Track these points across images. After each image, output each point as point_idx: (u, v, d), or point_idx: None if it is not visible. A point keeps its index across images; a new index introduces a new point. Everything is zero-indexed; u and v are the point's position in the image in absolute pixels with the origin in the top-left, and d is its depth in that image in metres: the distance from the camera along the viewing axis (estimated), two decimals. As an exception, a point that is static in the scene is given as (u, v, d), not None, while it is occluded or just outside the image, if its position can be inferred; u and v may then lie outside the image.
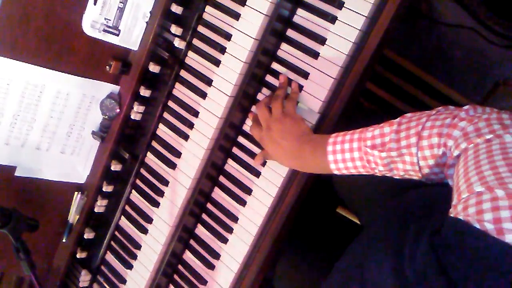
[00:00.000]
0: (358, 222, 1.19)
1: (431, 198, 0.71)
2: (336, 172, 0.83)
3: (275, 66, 0.97)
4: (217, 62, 0.99)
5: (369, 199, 1.01)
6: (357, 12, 0.87)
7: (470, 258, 0.48)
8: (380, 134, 0.77)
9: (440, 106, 0.74)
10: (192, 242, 1.08)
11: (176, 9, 1.02)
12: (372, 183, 0.97)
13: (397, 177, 0.78)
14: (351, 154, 0.80)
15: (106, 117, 1.09)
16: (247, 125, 1.00)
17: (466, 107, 0.69)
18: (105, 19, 1.01)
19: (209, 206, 1.05)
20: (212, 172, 1.05)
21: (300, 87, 0.94)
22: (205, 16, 1.01)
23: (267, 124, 0.92)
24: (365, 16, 0.86)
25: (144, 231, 1.11)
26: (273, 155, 0.93)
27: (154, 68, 1.05)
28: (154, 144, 1.09)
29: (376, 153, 0.76)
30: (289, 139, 0.89)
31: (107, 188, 1.14)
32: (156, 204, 1.09)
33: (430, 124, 0.71)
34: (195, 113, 1.02)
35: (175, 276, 1.10)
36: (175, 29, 1.02)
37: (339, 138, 0.82)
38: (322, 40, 0.91)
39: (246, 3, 0.94)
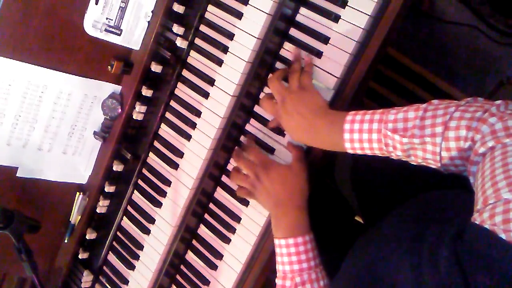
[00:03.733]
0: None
1: (447, 201, 0.69)
2: (350, 151, 0.81)
3: (278, 65, 0.96)
4: (219, 62, 0.98)
5: (380, 198, 1.00)
6: (360, 11, 0.87)
7: (494, 270, 0.47)
8: (403, 118, 0.73)
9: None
10: (194, 242, 1.07)
11: (178, 8, 1.01)
12: (384, 183, 0.96)
13: (414, 163, 0.75)
14: (369, 135, 0.77)
15: (108, 117, 1.09)
16: (250, 125, 1.00)
17: (498, 102, 0.66)
18: (106, 18, 1.00)
19: (211, 206, 1.05)
20: (214, 172, 1.04)
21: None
22: (207, 15, 1.00)
23: (282, 97, 0.90)
24: (369, 15, 0.86)
25: (147, 231, 1.11)
26: (287, 128, 0.90)
27: (156, 68, 1.04)
28: (156, 144, 1.09)
29: (397, 138, 0.73)
30: (304, 112, 0.86)
31: (109, 188, 1.13)
32: (158, 204, 1.08)
33: (458, 115, 0.67)
34: (198, 113, 1.02)
35: (178, 277, 1.10)
36: (177, 29, 1.01)
37: (358, 117, 0.79)
38: (325, 39, 0.91)
39: (249, 2, 0.94)
